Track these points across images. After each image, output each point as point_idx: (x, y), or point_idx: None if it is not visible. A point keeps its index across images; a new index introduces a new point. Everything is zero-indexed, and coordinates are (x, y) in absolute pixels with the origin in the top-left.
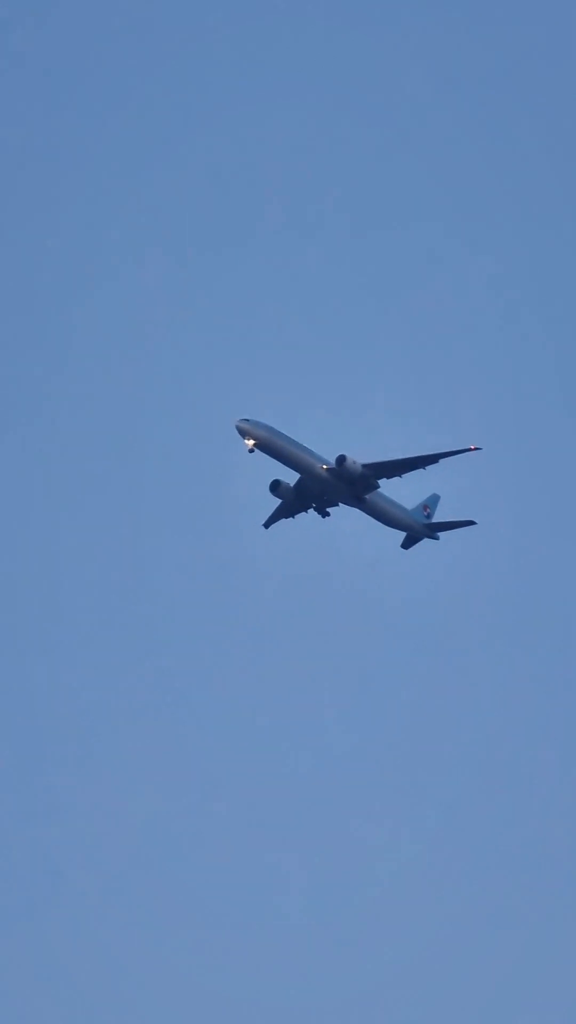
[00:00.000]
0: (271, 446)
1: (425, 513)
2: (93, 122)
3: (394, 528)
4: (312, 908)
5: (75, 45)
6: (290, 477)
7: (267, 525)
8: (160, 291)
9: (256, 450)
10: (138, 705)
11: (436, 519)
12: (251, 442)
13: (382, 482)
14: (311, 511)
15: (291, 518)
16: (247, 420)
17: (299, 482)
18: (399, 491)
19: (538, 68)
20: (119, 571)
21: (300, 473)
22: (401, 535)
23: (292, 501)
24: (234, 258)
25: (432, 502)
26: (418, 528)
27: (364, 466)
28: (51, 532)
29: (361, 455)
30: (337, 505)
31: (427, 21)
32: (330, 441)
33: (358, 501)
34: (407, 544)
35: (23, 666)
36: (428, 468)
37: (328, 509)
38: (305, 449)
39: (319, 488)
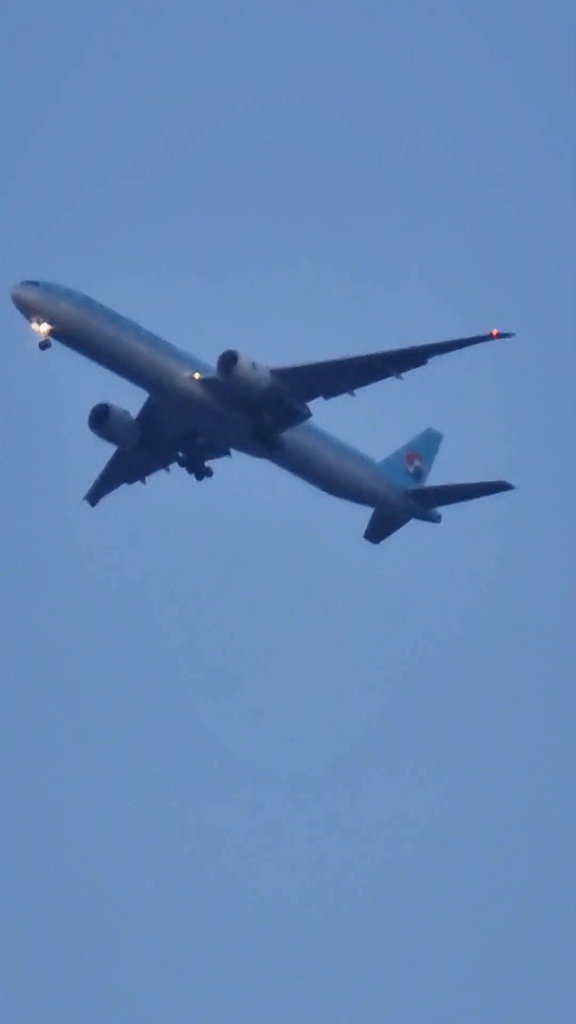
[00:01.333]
0: (84, 333)
1: (411, 468)
2: None
3: (345, 498)
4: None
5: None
6: (128, 400)
7: (92, 499)
8: None
9: (53, 342)
10: None
11: (432, 481)
12: (43, 326)
13: (317, 409)
14: (175, 466)
15: (137, 482)
16: (33, 284)
17: (147, 408)
18: (355, 430)
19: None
20: None
21: (149, 390)
22: (363, 512)
23: (136, 447)
24: None
25: (426, 445)
26: (394, 499)
27: (274, 372)
28: None
29: (272, 355)
30: (227, 454)
31: None
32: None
33: (267, 445)
34: (377, 531)
35: None
36: (407, 376)
37: (208, 461)
38: (155, 340)
39: (187, 420)
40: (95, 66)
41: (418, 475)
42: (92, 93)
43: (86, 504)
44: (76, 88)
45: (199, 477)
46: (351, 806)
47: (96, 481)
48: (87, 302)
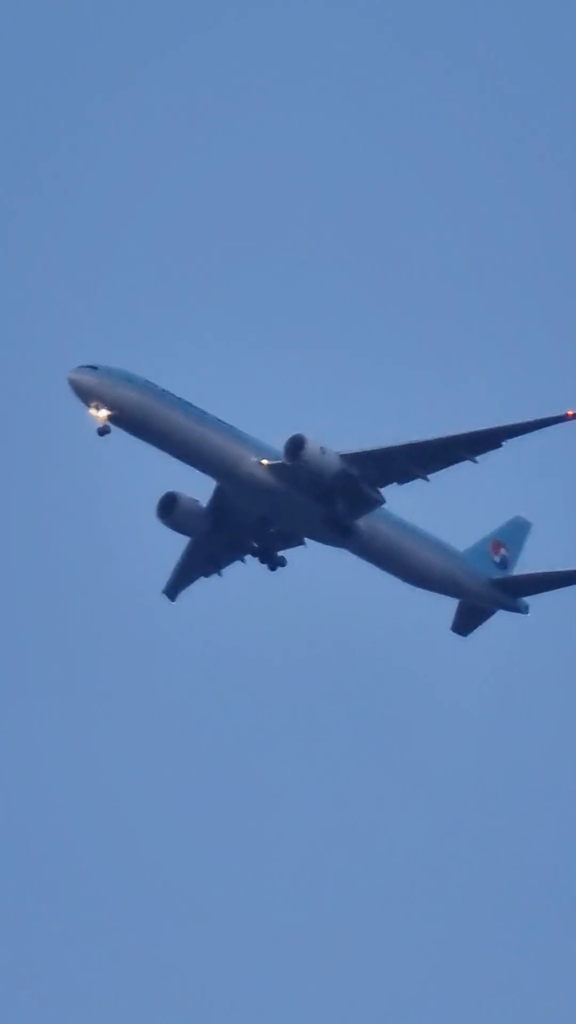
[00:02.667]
0: (145, 419)
1: (496, 558)
2: None
3: (427, 588)
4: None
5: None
6: (197, 489)
7: (171, 593)
8: None
9: (113, 428)
10: None
11: (520, 570)
12: (102, 411)
13: (398, 497)
14: (248, 556)
15: (214, 574)
16: (91, 368)
17: (216, 496)
18: (439, 518)
19: None
20: None
21: (215, 477)
22: (449, 604)
23: (207, 535)
24: None
25: (513, 534)
26: (478, 589)
27: (344, 456)
28: None
29: (342, 441)
30: (302, 543)
31: None
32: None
33: (340, 533)
34: (464, 623)
35: None
36: (483, 460)
37: (282, 552)
38: (221, 425)
39: (257, 507)
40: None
41: (504, 564)
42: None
43: (165, 598)
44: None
45: (272, 567)
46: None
47: (173, 574)
48: (148, 387)
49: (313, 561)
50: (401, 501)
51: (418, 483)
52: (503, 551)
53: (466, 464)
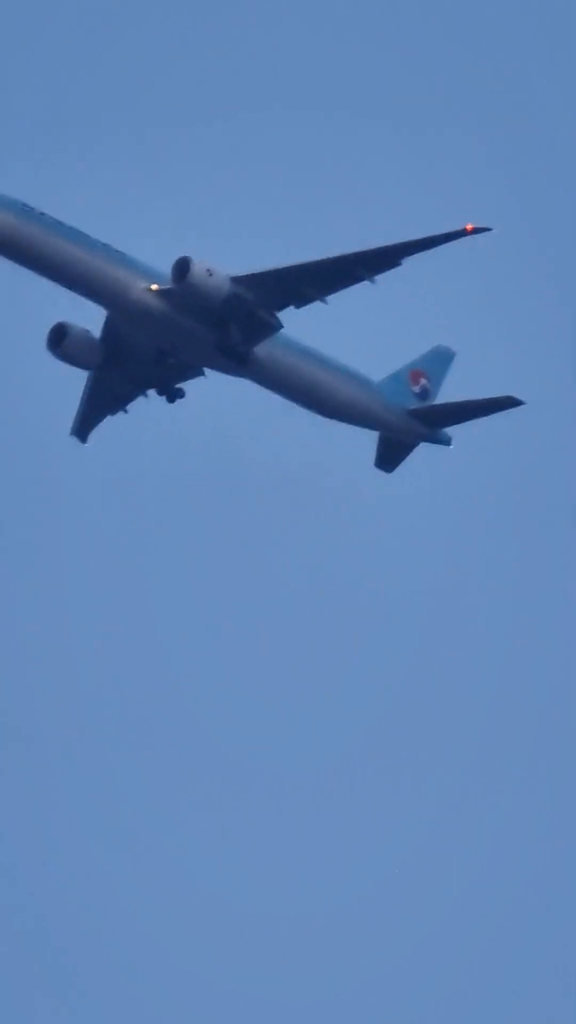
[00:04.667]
0: (21, 242)
1: (416, 388)
2: None
3: (339, 420)
4: None
5: None
6: (87, 319)
7: (81, 434)
8: None
9: None
10: None
11: (442, 398)
12: None
13: (310, 325)
14: (152, 392)
15: (120, 412)
16: None
17: (108, 326)
18: (356, 350)
19: None
20: None
21: (103, 305)
22: (368, 438)
23: (105, 369)
24: None
25: (435, 364)
26: (394, 420)
27: (234, 279)
28: None
29: (237, 266)
30: (201, 374)
31: None
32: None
33: (236, 361)
34: (386, 458)
35: None
36: (381, 280)
37: (181, 384)
38: (106, 249)
39: (150, 336)
40: None
41: (425, 395)
42: None
43: (76, 441)
44: None
45: (171, 399)
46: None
47: (77, 413)
48: (23, 209)
49: (215, 392)
50: (315, 330)
51: (337, 311)
52: (423, 381)
53: (387, 291)
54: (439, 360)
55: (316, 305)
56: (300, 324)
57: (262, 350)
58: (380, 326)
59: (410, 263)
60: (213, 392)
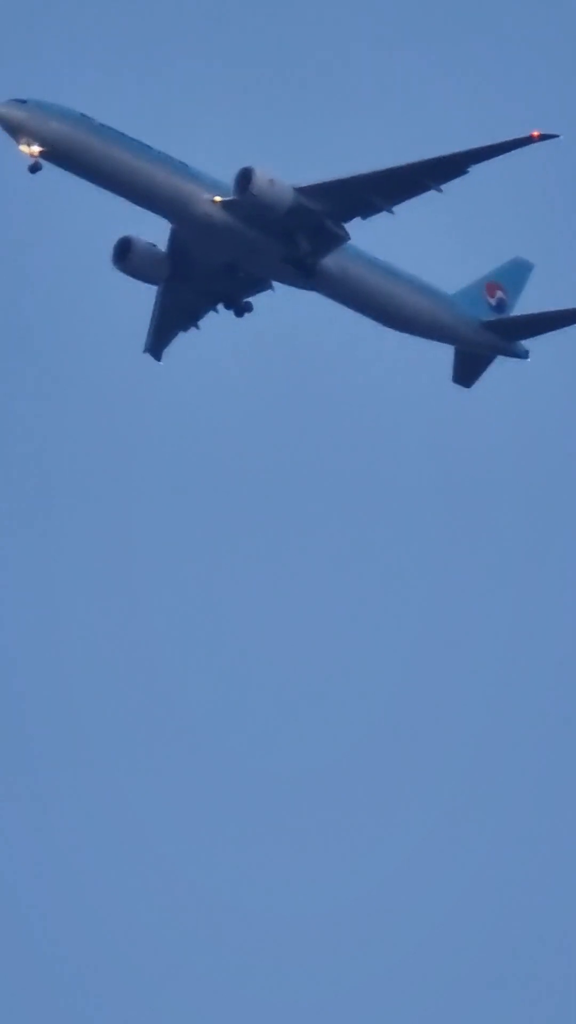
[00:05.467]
0: (83, 153)
1: (492, 301)
2: None
3: (410, 333)
4: None
5: None
6: (152, 232)
7: (154, 351)
8: None
9: (45, 163)
10: None
11: (519, 311)
12: (34, 147)
13: (360, 231)
14: (221, 307)
15: (192, 328)
16: (20, 102)
17: (173, 239)
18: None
19: None
20: None
21: (167, 217)
22: (440, 352)
23: (172, 284)
24: None
25: (512, 276)
26: (468, 332)
27: (298, 189)
28: None
29: (298, 172)
30: (270, 287)
31: None
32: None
33: (304, 273)
34: (464, 373)
35: None
36: (447, 189)
37: (248, 297)
38: (168, 160)
39: (216, 249)
40: None
41: (501, 308)
42: None
43: (149, 358)
44: None
45: (239, 313)
46: None
47: (150, 330)
48: (84, 120)
49: (285, 305)
50: (389, 244)
51: (412, 223)
52: (500, 293)
53: (465, 202)
54: (517, 272)
55: (391, 218)
56: (374, 237)
57: (331, 262)
58: (457, 239)
59: (485, 174)
60: (283, 306)
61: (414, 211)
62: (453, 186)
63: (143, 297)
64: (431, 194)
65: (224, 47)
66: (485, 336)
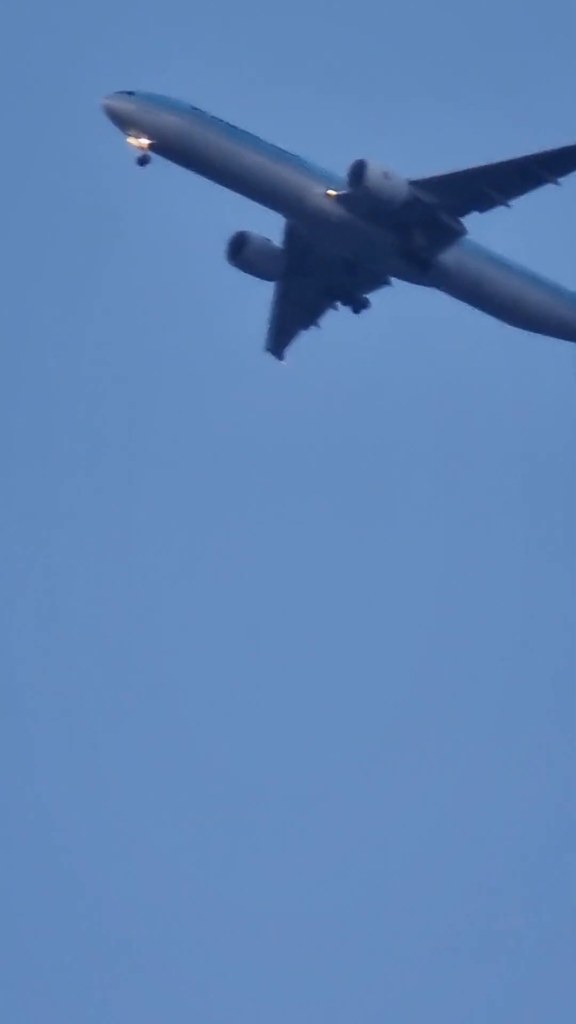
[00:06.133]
0: (194, 146)
1: None
2: None
3: (535, 330)
4: None
5: None
6: (267, 227)
7: (277, 351)
8: None
9: (155, 156)
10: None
11: None
12: (142, 139)
13: (476, 223)
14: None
15: (313, 326)
16: (128, 94)
17: (289, 235)
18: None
19: None
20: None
21: (281, 212)
22: (565, 347)
23: (289, 280)
24: None
25: None
26: None
27: (413, 183)
28: None
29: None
30: (387, 283)
31: None
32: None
33: (421, 268)
34: None
35: None
36: (563, 182)
37: (366, 292)
38: (281, 153)
39: (332, 243)
40: None
41: None
42: None
43: (272, 357)
44: None
45: (356, 310)
46: None
47: (269, 328)
48: (194, 112)
49: (406, 302)
50: (513, 240)
51: (536, 219)
52: None
53: None
54: None
55: (511, 213)
56: (498, 232)
57: (449, 257)
58: None
59: None
60: (402, 302)
61: (538, 206)
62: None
63: (261, 294)
64: (556, 189)
65: (328, 43)
66: None
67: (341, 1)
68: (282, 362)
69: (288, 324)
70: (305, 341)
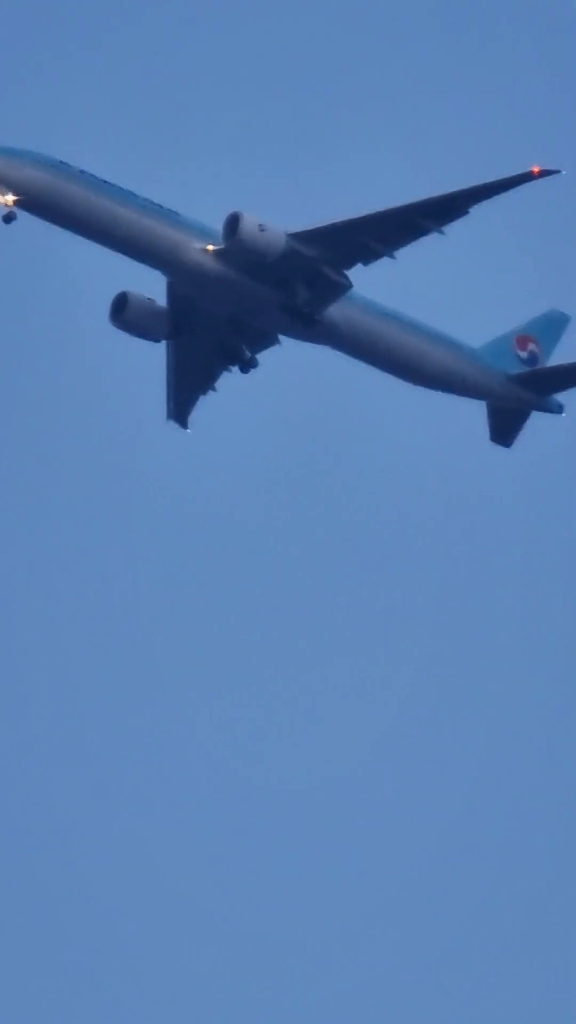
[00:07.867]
0: (60, 201)
1: (523, 354)
2: None
3: (430, 387)
4: None
5: None
6: (150, 287)
7: (180, 419)
8: None
9: (20, 213)
10: None
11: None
12: (8, 196)
13: (367, 276)
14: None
15: (211, 391)
16: None
17: (171, 293)
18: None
19: None
20: None
21: (161, 270)
22: (472, 410)
23: (178, 340)
24: None
25: (547, 328)
26: (494, 386)
27: (292, 236)
28: None
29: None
30: (275, 341)
31: None
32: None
33: (303, 323)
34: (499, 429)
35: None
36: (447, 231)
37: (255, 352)
38: (155, 208)
39: (213, 299)
40: None
41: (533, 362)
42: None
43: (175, 426)
44: None
45: (244, 369)
46: None
47: (169, 395)
48: (61, 167)
49: (296, 361)
50: (418, 298)
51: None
52: (532, 346)
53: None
54: (551, 325)
55: (401, 264)
56: (398, 288)
57: (336, 312)
58: (490, 290)
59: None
60: (294, 362)
61: (444, 262)
62: (486, 237)
63: (150, 357)
64: (469, 245)
65: (218, 90)
66: (513, 390)
67: (230, 47)
68: (187, 430)
69: (185, 389)
70: (200, 405)
